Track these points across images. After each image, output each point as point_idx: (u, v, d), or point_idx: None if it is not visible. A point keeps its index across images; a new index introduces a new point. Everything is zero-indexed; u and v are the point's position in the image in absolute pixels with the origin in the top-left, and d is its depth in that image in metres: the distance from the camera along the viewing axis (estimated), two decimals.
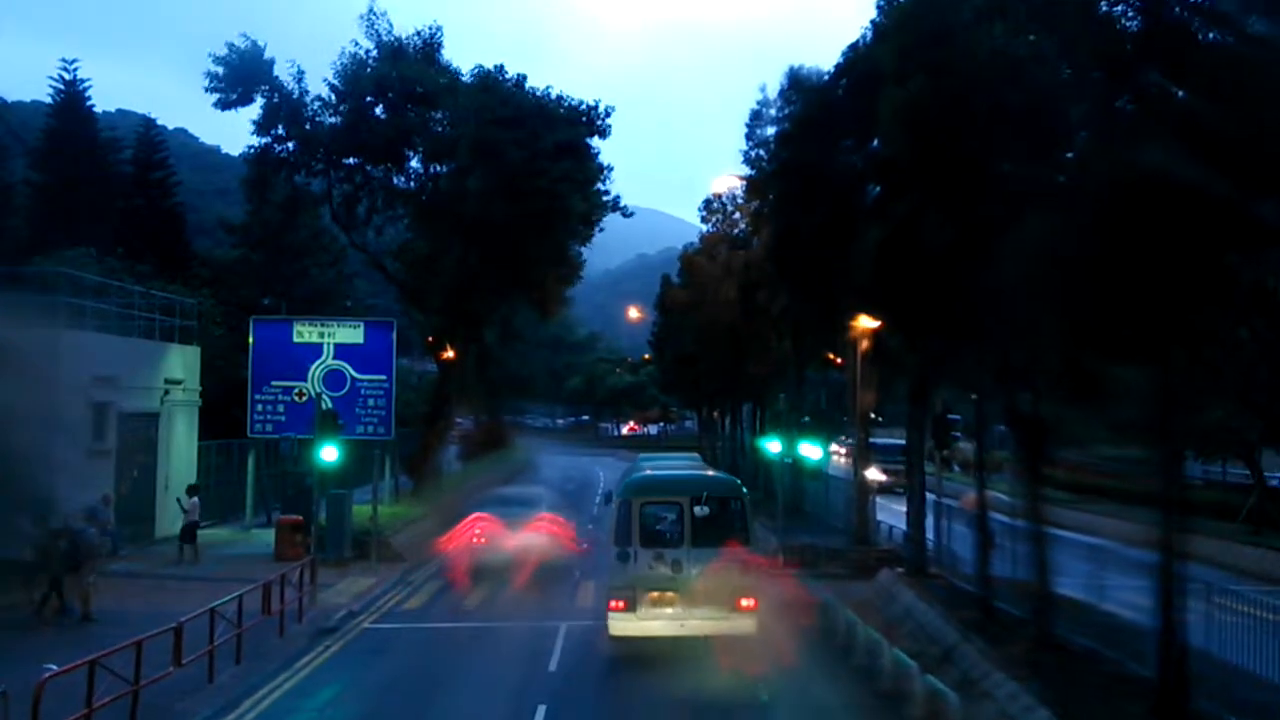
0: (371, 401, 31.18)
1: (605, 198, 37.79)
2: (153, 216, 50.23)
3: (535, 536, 24.49)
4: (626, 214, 41.02)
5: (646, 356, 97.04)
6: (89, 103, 48.95)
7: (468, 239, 35.11)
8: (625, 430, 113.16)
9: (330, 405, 26.69)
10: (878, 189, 20.33)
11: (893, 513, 29.88)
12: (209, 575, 22.09)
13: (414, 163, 36.54)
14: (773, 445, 25.23)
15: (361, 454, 33.09)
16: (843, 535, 26.11)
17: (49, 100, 50.68)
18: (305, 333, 31.25)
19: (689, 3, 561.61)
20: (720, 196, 37.91)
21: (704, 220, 38.52)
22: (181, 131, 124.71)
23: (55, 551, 17.80)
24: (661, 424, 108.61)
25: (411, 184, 36.48)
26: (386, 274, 37.61)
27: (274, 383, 30.77)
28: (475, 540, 24.69)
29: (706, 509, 16.27)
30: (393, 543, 26.36)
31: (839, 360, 48.74)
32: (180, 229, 53.01)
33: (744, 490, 17.44)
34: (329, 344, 31.15)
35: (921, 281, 12.95)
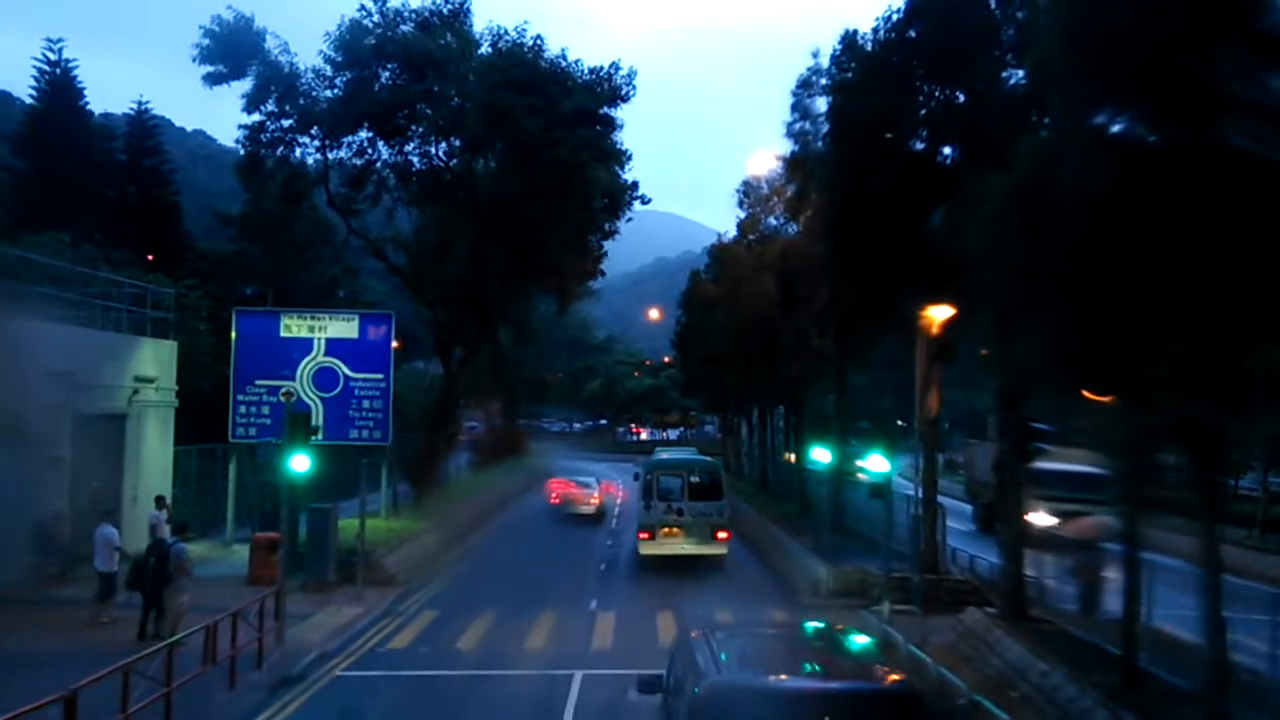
0: (367, 403, 27.99)
1: (626, 175, 34.46)
2: (146, 206, 47.36)
3: (593, 493, 38.54)
4: (645, 201, 37.66)
5: (667, 359, 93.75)
6: (78, 85, 46.10)
7: (480, 219, 31.88)
8: (639, 434, 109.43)
9: (307, 406, 23.45)
10: (953, 150, 16.90)
11: (961, 536, 26.36)
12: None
13: (421, 137, 33.19)
14: (820, 454, 21.84)
15: (356, 461, 30.04)
16: (903, 561, 22.57)
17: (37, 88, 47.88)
18: (294, 326, 28.10)
19: (691, 7, 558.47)
20: (760, 179, 34.43)
21: (741, 205, 35.11)
22: (200, 133, 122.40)
23: (144, 568, 17.04)
24: (682, 428, 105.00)
25: (417, 161, 33.21)
26: (387, 262, 34.39)
27: (259, 381, 27.67)
28: (554, 499, 38.79)
29: (697, 478, 27.26)
30: (385, 564, 23.02)
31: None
32: (175, 220, 50.10)
33: (720, 468, 29.19)
34: (320, 339, 27.99)
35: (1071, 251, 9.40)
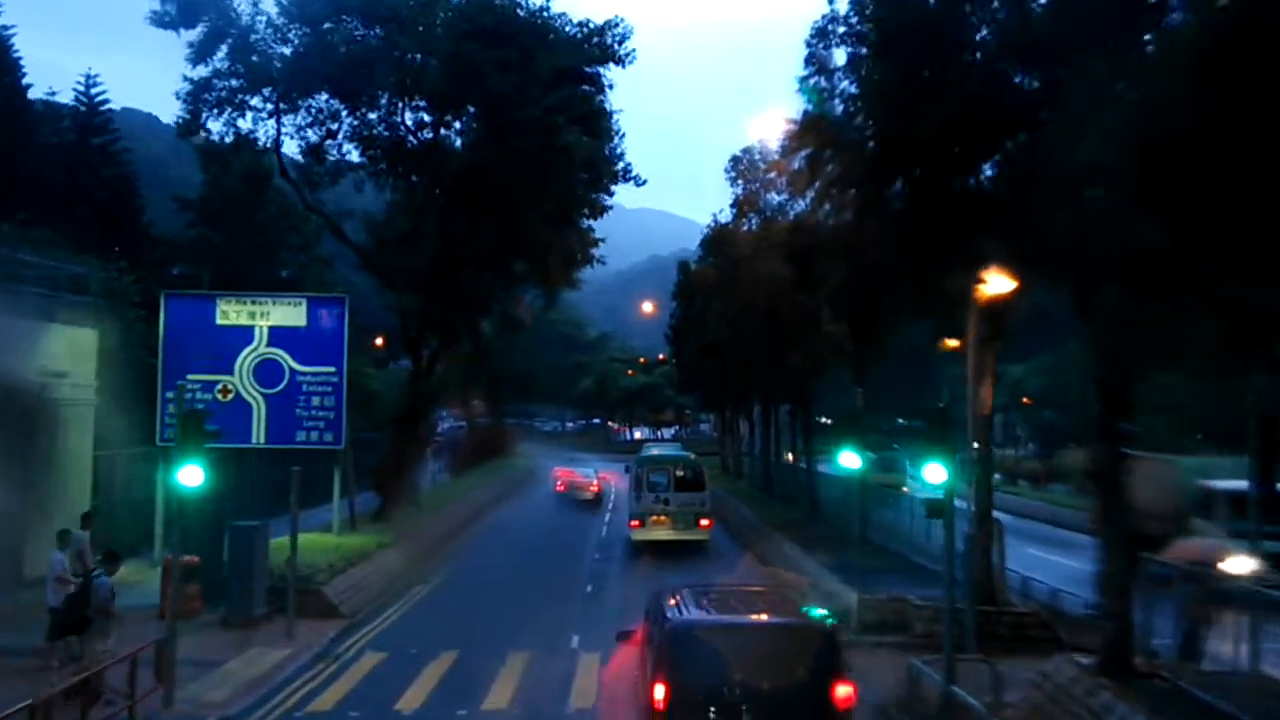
0: (316, 400, 24.32)
1: (617, 146, 30.73)
2: (96, 187, 43.46)
3: (593, 481, 43.33)
4: (639, 183, 33.95)
5: (662, 356, 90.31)
6: (14, 56, 42.02)
7: (449, 191, 28.22)
8: (621, 433, 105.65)
9: (205, 406, 19.80)
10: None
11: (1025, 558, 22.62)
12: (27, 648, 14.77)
13: (385, 101, 29.41)
14: (848, 459, 18.21)
15: (311, 468, 26.36)
16: (939, 584, 18.97)
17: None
18: (232, 312, 24.40)
19: (684, 7, 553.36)
20: (757, 150, 30.56)
21: (732, 181, 31.28)
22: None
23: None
24: (677, 426, 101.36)
25: (382, 129, 29.40)
26: (346, 240, 30.58)
27: (191, 376, 23.84)
28: (558, 487, 43.81)
29: (682, 472, 29.31)
30: (328, 591, 19.28)
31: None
32: (129, 201, 46.12)
33: (703, 464, 31.21)
34: (262, 327, 24.31)
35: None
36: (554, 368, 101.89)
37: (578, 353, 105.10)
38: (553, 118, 25.07)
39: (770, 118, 28.86)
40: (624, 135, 32.19)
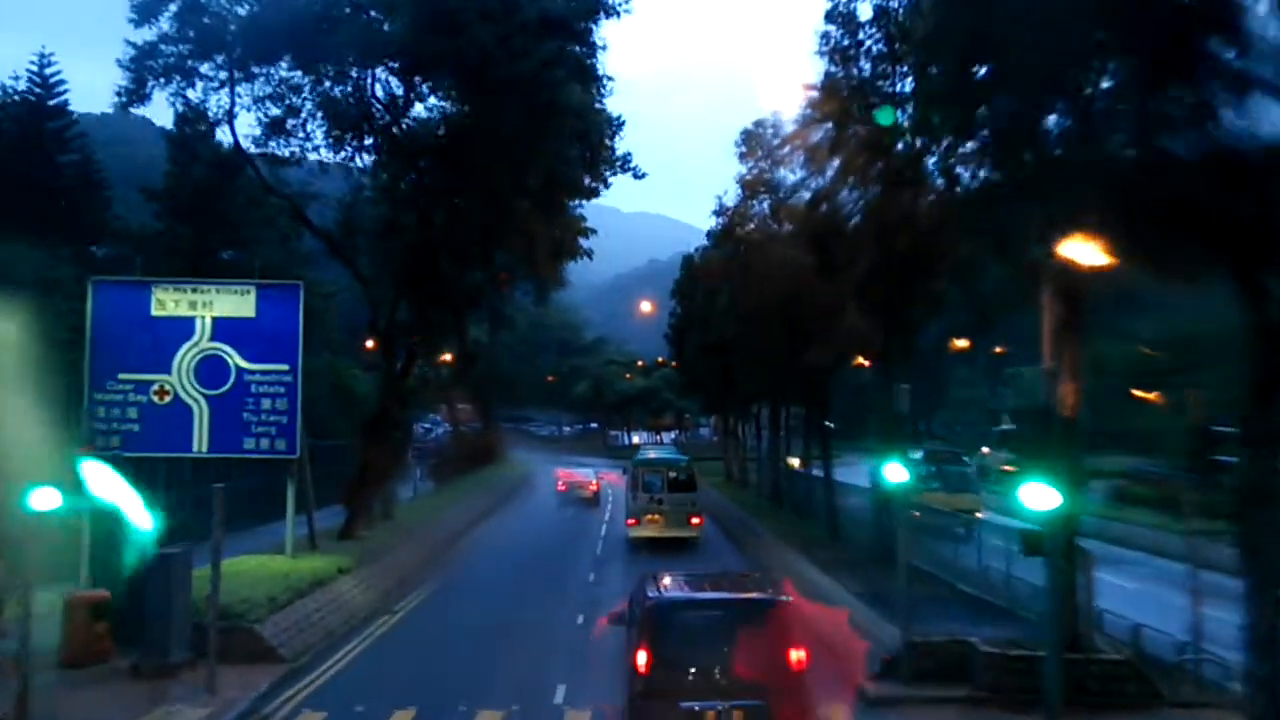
0: (267, 403, 21.18)
1: (614, 122, 27.63)
2: (52, 175, 40.39)
3: (592, 481, 46.22)
4: (638, 176, 30.90)
5: (661, 359, 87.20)
6: None
7: (425, 172, 25.13)
8: (616, 434, 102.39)
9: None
10: None
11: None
12: None
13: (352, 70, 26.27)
14: (894, 472, 15.03)
15: (274, 479, 23.24)
16: (1014, 623, 15.82)
17: None
18: (169, 301, 21.26)
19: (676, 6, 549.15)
20: (770, 122, 27.31)
21: (741, 158, 28.06)
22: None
23: None
24: (676, 431, 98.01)
25: (348, 103, 26.24)
26: (307, 223, 27.39)
27: (123, 375, 20.83)
28: (560, 487, 45.75)
29: (675, 474, 31.56)
30: (264, 631, 16.04)
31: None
32: (94, 191, 43.04)
33: (693, 465, 33.03)
34: (204, 318, 21.18)
35: None
36: (550, 371, 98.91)
37: (574, 356, 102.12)
38: (549, 73, 21.82)
39: (786, 87, 25.70)
40: (623, 124, 29.28)
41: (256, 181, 31.04)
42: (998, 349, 56.53)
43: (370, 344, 49.38)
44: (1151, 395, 27.88)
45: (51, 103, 41.51)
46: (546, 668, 15.70)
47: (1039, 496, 9.40)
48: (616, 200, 29.51)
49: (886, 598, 17.81)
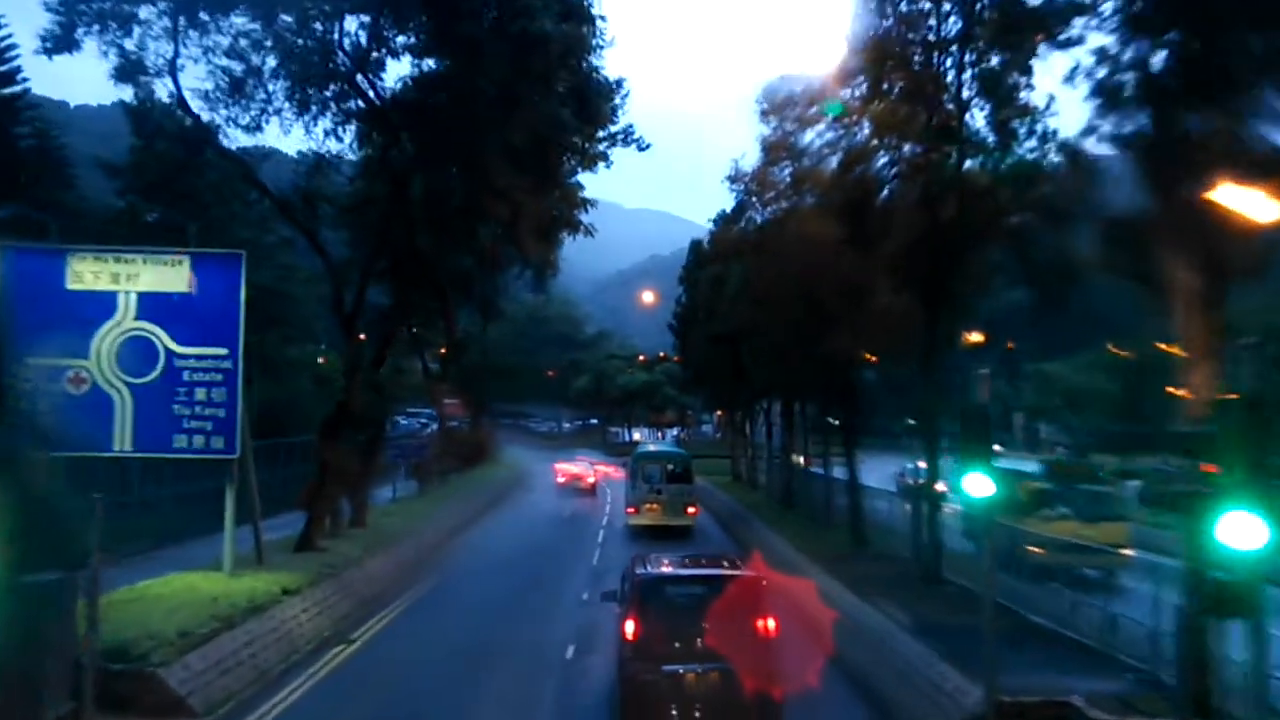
0: (202, 394, 18.03)
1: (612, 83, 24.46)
2: (4, 147, 37.11)
3: (590, 475, 49.38)
4: (642, 148, 27.90)
5: (663, 354, 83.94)
6: None
7: (397, 130, 21.95)
8: (617, 432, 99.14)
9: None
10: None
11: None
12: None
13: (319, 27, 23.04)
14: (975, 484, 11.59)
15: (212, 484, 20.04)
16: (1110, 668, 12.60)
17: None
18: (88, 273, 18.15)
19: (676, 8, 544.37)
20: (801, 76, 24.05)
21: (764, 116, 24.77)
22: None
23: None
24: (679, 427, 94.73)
25: (315, 57, 22.99)
26: (259, 186, 24.10)
27: (33, 360, 17.60)
28: (560, 480, 49.39)
29: (673, 466, 33.84)
30: (170, 677, 12.77)
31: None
32: (55, 171, 39.72)
33: (690, 458, 36.20)
34: (128, 292, 18.05)
35: None
36: (549, 366, 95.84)
37: (574, 350, 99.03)
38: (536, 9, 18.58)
39: (816, 43, 22.38)
40: (627, 94, 26.22)
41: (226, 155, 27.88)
42: (1009, 344, 53.49)
43: (361, 336, 46.44)
44: None
45: (1, 68, 38.14)
46: (532, 711, 12.52)
47: (1236, 529, 6.14)
48: (618, 196, 26.60)
49: (942, 632, 14.68)
